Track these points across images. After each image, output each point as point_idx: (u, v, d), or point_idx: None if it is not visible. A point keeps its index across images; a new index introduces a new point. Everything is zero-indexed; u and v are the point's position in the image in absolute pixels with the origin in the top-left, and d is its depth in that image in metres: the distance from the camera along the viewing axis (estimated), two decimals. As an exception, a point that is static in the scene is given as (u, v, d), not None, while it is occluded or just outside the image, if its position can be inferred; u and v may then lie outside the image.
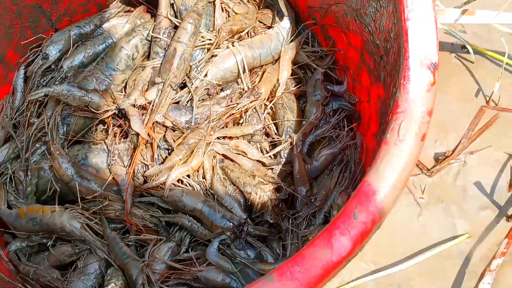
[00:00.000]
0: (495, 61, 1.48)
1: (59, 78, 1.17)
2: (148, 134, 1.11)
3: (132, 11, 1.25)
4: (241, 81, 1.17)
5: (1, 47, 1.13)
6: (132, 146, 1.13)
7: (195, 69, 1.16)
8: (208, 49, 1.17)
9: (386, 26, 0.89)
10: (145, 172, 1.11)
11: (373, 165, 0.75)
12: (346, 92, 1.15)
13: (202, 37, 1.17)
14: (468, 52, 1.47)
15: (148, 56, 1.21)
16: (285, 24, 1.18)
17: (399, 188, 0.74)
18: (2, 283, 0.85)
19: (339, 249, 0.72)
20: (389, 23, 0.87)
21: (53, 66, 1.19)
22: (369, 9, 0.94)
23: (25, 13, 1.14)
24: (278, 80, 1.16)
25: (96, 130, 1.18)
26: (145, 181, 1.11)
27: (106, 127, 1.16)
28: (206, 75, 1.15)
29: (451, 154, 1.35)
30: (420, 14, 0.80)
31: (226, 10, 1.23)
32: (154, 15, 1.24)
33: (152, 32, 1.18)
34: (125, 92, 1.18)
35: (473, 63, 1.49)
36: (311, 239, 0.75)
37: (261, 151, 1.13)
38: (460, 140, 1.37)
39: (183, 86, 1.17)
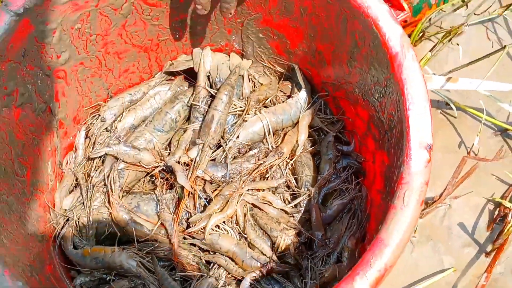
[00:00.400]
0: (475, 117, 1.71)
1: (114, 138, 1.39)
2: (191, 187, 1.33)
3: (173, 80, 1.48)
4: (267, 142, 1.40)
5: (69, 112, 1.36)
6: (177, 196, 1.34)
7: (229, 132, 1.39)
8: (239, 115, 1.40)
9: (390, 109, 1.12)
10: (188, 218, 1.33)
11: (384, 225, 0.97)
12: (353, 152, 1.37)
13: (234, 105, 1.39)
14: (451, 108, 1.69)
15: (188, 120, 1.43)
16: (303, 95, 1.40)
17: (405, 241, 0.96)
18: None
19: None
20: (393, 108, 1.10)
21: (108, 128, 1.41)
22: (375, 93, 1.17)
23: (89, 85, 1.36)
24: (297, 141, 1.39)
25: (146, 182, 1.41)
26: (188, 226, 1.32)
27: (154, 179, 1.39)
28: (238, 137, 1.37)
29: (438, 199, 1.56)
30: (418, 105, 1.02)
31: (252, 80, 1.46)
32: (191, 84, 1.47)
33: (193, 101, 1.40)
34: (169, 150, 1.40)
35: (456, 118, 1.70)
36: (337, 283, 0.97)
37: (284, 201, 1.35)
38: (446, 187, 1.57)
39: (218, 146, 1.39)
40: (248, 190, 1.33)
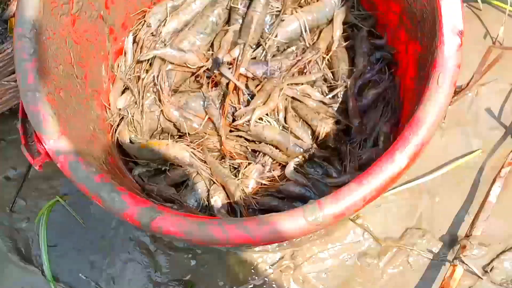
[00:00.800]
0: (500, 9, 1.77)
1: (159, 41, 1.48)
2: (235, 84, 1.42)
3: (212, -15, 1.55)
4: (303, 39, 1.48)
5: (118, 19, 1.44)
6: (222, 93, 1.45)
7: (267, 31, 1.47)
8: (277, 15, 1.48)
9: (422, 0, 1.20)
10: (233, 113, 1.43)
11: (420, 105, 1.07)
12: (386, 45, 1.46)
13: (271, 6, 1.47)
14: (476, 1, 1.76)
15: (228, 22, 1.51)
16: (336, -7, 1.48)
17: (439, 119, 1.05)
18: (137, 197, 1.14)
19: (399, 163, 1.04)
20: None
21: (154, 32, 1.50)
22: (408, -14, 1.25)
23: (134, -8, 1.45)
24: (332, 37, 1.47)
25: (192, 81, 1.51)
26: (233, 120, 1.43)
27: (199, 78, 1.49)
28: (276, 35, 1.45)
29: (466, 86, 1.65)
30: None
31: (287, -18, 1.53)
32: (230, -12, 1.54)
33: (232, 3, 1.48)
34: (212, 51, 1.49)
35: (480, 10, 1.77)
36: (376, 159, 1.07)
37: (322, 94, 1.45)
38: (473, 75, 1.65)
39: (258, 45, 1.48)
40: (288, 84, 1.42)
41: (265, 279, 1.54)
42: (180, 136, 1.46)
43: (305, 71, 1.46)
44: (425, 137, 1.05)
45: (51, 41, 1.17)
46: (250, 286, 1.53)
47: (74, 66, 1.27)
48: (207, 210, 1.36)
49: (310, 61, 1.45)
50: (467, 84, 1.63)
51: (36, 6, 1.13)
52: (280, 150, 1.41)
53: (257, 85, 1.44)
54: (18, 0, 1.13)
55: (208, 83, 1.46)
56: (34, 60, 1.10)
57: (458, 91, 1.64)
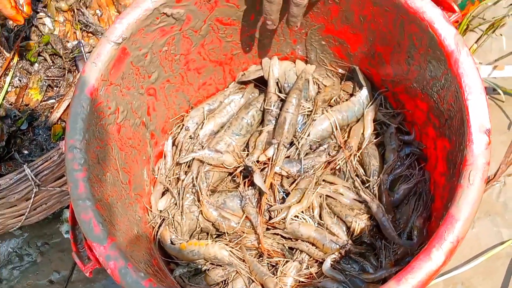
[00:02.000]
0: (522, 99, 1.84)
1: (197, 144, 1.55)
2: (270, 183, 1.48)
3: (245, 88, 1.64)
4: (335, 137, 1.55)
5: (158, 124, 1.53)
6: (258, 192, 1.51)
7: (300, 131, 1.54)
8: (308, 115, 1.55)
9: (449, 100, 1.25)
10: (269, 210, 1.49)
11: (453, 202, 1.11)
12: (414, 140, 1.51)
13: (303, 106, 1.55)
14: (499, 93, 1.82)
15: (261, 123, 1.59)
16: (364, 93, 1.55)
17: (473, 215, 1.09)
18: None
19: (436, 261, 1.08)
20: (451, 98, 1.23)
21: (192, 135, 1.57)
22: (434, 87, 1.31)
23: (174, 98, 1.53)
24: (363, 135, 1.53)
25: (229, 181, 1.57)
26: (270, 217, 1.49)
27: (236, 178, 1.55)
28: (308, 135, 1.52)
29: (493, 177, 1.69)
30: (476, 94, 1.15)
31: (317, 83, 1.61)
32: (262, 91, 1.62)
33: (265, 105, 1.56)
34: (248, 151, 1.56)
35: (503, 102, 1.84)
36: (415, 255, 1.11)
37: (355, 188, 1.50)
38: (499, 166, 1.70)
39: (291, 144, 1.54)
40: (321, 183, 1.48)
41: None
42: (218, 236, 1.50)
43: (337, 167, 1.51)
44: (460, 233, 1.08)
45: (100, 150, 1.25)
46: None
47: (119, 172, 1.34)
48: (247, 308, 1.40)
49: (342, 159, 1.50)
50: (495, 175, 1.68)
51: (86, 117, 1.21)
52: (316, 247, 1.45)
53: (292, 183, 1.49)
54: (69, 112, 1.21)
55: (245, 182, 1.51)
56: (85, 170, 1.17)
57: (486, 181, 1.68)
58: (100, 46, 1.26)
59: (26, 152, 1.82)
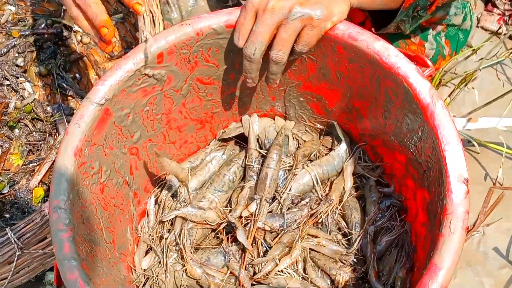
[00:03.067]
0: (497, 151, 1.88)
1: (179, 201, 1.57)
2: (254, 238, 1.49)
3: (226, 145, 1.66)
4: (316, 191, 1.57)
5: (141, 183, 1.54)
6: (242, 247, 1.51)
7: (281, 185, 1.56)
8: (289, 170, 1.57)
9: (426, 151, 1.29)
10: (252, 263, 1.49)
11: (435, 251, 1.13)
12: (394, 192, 1.54)
13: (283, 162, 1.57)
14: (473, 145, 1.87)
15: (243, 179, 1.61)
16: (343, 147, 1.58)
17: (456, 263, 1.11)
18: None
19: None
20: (429, 150, 1.27)
21: (174, 193, 1.59)
22: (411, 139, 1.34)
23: (156, 157, 1.56)
24: (343, 188, 1.56)
25: (212, 238, 1.58)
26: (254, 273, 1.49)
27: (219, 234, 1.56)
28: (290, 189, 1.54)
29: (472, 227, 1.73)
30: (453, 145, 1.18)
31: (296, 139, 1.65)
32: (243, 147, 1.65)
33: (246, 162, 1.58)
34: (230, 207, 1.58)
35: (478, 153, 1.89)
36: None
37: (338, 242, 1.52)
38: (478, 216, 1.74)
39: (273, 199, 1.56)
40: (304, 236, 1.49)
41: None
42: (203, 293, 1.50)
43: (320, 221, 1.53)
44: (444, 282, 1.10)
45: (84, 210, 1.26)
46: None
47: (103, 232, 1.34)
48: None
49: (324, 212, 1.52)
50: (474, 225, 1.71)
51: (69, 178, 1.22)
52: (302, 301, 1.45)
53: (275, 238, 1.51)
54: (53, 173, 1.22)
55: (228, 238, 1.52)
56: (70, 230, 1.17)
57: (466, 231, 1.70)
58: (83, 107, 1.28)
59: (7, 215, 1.82)
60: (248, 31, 1.30)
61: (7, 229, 1.55)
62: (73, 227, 1.18)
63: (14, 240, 1.54)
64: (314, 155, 1.62)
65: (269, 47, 1.31)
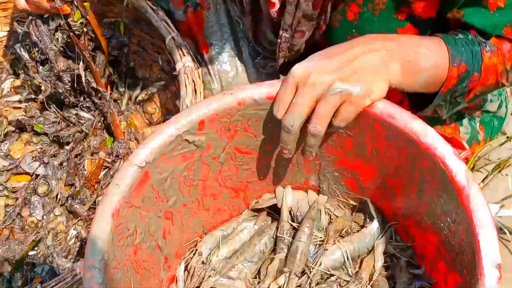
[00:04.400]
0: (529, 239, 1.87)
1: (209, 269, 1.57)
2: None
3: (259, 216, 1.68)
4: (346, 268, 1.56)
5: (173, 248, 1.55)
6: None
7: (311, 260, 1.56)
8: (320, 245, 1.58)
9: (460, 234, 1.28)
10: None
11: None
12: (425, 274, 1.53)
13: (315, 236, 1.58)
14: (504, 232, 1.86)
15: (274, 251, 1.61)
16: (375, 225, 1.58)
17: None
18: None
19: None
20: (462, 233, 1.27)
21: (205, 261, 1.59)
22: (444, 221, 1.34)
23: (189, 223, 1.57)
24: (374, 267, 1.55)
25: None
26: None
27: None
28: (320, 264, 1.54)
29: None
30: (487, 229, 1.18)
31: (328, 214, 1.65)
32: (275, 219, 1.66)
33: (278, 233, 1.59)
34: (259, 278, 1.57)
35: (509, 241, 1.87)
36: None
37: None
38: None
39: (303, 273, 1.56)
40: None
41: None
42: None
43: (348, 299, 1.52)
44: None
45: (116, 271, 1.27)
46: None
47: (133, 294, 1.35)
48: None
49: (353, 290, 1.52)
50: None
51: (105, 239, 1.24)
52: None
53: (303, 315, 1.50)
54: (90, 232, 1.24)
55: (256, 311, 1.52)
56: (101, 290, 1.18)
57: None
58: (123, 169, 1.32)
59: (38, 271, 1.83)
60: (288, 103, 1.34)
61: (37, 284, 1.56)
62: (105, 287, 1.19)
63: (44, 299, 1.55)
64: (345, 231, 1.62)
65: (308, 120, 1.34)
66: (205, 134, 1.40)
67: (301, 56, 1.85)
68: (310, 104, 1.32)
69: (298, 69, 1.33)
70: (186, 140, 1.38)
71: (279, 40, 1.76)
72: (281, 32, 1.73)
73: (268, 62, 2.03)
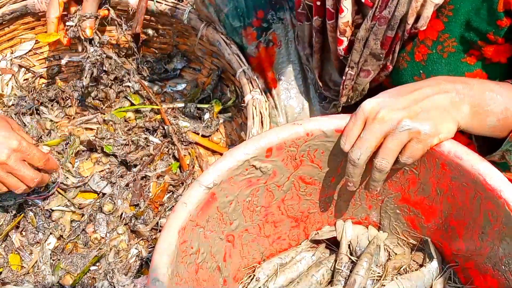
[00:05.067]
0: None
1: (265, 295, 1.60)
2: None
3: (317, 247, 1.69)
4: (403, 306, 1.56)
5: (231, 272, 1.58)
6: None
7: (368, 295, 1.57)
8: (378, 280, 1.58)
9: (522, 283, 1.28)
10: None
11: None
12: (483, 319, 1.52)
13: (373, 271, 1.59)
14: None
15: (330, 282, 1.62)
16: (434, 265, 1.57)
17: None
18: None
19: None
20: (525, 277, 1.27)
21: (261, 286, 1.62)
22: (506, 265, 1.34)
23: (249, 248, 1.60)
24: (432, 306, 1.55)
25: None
26: None
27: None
28: (376, 300, 1.55)
29: None
30: None
31: (387, 250, 1.66)
32: (333, 251, 1.68)
33: (336, 265, 1.61)
34: (314, 310, 1.59)
35: None
36: None
37: None
38: None
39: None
40: None
41: None
42: None
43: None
44: None
45: (178, 287, 1.30)
46: None
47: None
48: None
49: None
50: None
51: (171, 254, 1.28)
52: None
53: None
54: (156, 246, 1.29)
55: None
56: (164, 302, 1.22)
57: None
58: (192, 188, 1.36)
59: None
60: (355, 137, 1.36)
61: (98, 298, 1.61)
62: (167, 301, 1.23)
63: (106, 312, 1.60)
64: (403, 269, 1.62)
65: (374, 154, 1.36)
66: (272, 161, 1.44)
67: (364, 98, 1.89)
68: (378, 139, 1.34)
69: (368, 104, 1.36)
70: (253, 165, 1.42)
71: (344, 77, 1.79)
72: (347, 69, 1.77)
73: (331, 103, 2.06)
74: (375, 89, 1.80)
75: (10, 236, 2.00)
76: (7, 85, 2.39)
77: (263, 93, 2.09)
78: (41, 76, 2.48)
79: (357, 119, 1.36)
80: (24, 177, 1.71)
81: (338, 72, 1.93)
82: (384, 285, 1.56)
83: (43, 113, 2.34)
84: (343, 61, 1.82)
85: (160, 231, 1.92)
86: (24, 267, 1.95)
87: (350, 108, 1.96)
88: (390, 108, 1.33)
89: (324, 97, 2.08)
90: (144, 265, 1.92)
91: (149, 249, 1.95)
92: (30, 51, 2.43)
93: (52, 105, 2.37)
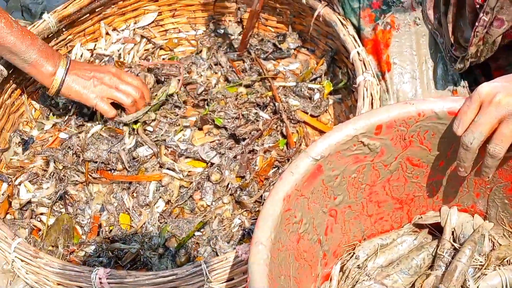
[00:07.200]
0: None
1: (363, 274, 1.60)
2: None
3: (419, 232, 1.69)
4: (504, 296, 1.53)
5: (332, 247, 1.60)
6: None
7: (468, 282, 1.55)
8: (479, 269, 1.55)
9: None
10: None
11: None
12: None
13: (475, 259, 1.56)
14: None
15: (430, 267, 1.61)
16: (542, 258, 1.54)
17: None
18: None
19: None
20: None
21: (360, 265, 1.62)
22: None
23: (350, 225, 1.61)
24: (534, 300, 1.51)
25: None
26: None
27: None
28: (478, 287, 1.53)
29: None
30: None
31: (492, 240, 1.63)
32: (435, 237, 1.66)
33: (438, 251, 1.59)
34: (415, 291, 1.59)
35: None
36: None
37: None
38: None
39: (459, 293, 1.55)
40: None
41: None
42: None
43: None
44: None
45: (279, 253, 1.34)
46: None
47: (290, 280, 1.41)
48: None
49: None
50: None
51: (275, 219, 1.31)
52: None
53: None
54: (262, 210, 1.33)
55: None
56: (266, 265, 1.25)
57: None
58: (299, 158, 1.39)
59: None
60: (469, 120, 1.35)
61: (201, 261, 1.67)
62: (269, 264, 1.26)
63: (206, 273, 1.65)
64: (507, 260, 1.58)
65: (487, 140, 1.34)
66: (380, 139, 1.45)
67: (493, 57, 1.86)
68: (493, 123, 1.32)
69: (484, 87, 1.34)
70: (362, 142, 1.43)
71: (476, 24, 1.75)
72: (481, 15, 1.73)
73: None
74: (504, 48, 1.76)
75: (122, 197, 2.10)
76: (128, 53, 2.51)
77: (375, 76, 2.08)
78: (161, 48, 2.57)
79: (472, 102, 1.34)
80: (127, 90, 2.17)
81: (471, 27, 1.86)
82: (485, 274, 1.53)
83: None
84: (477, 14, 1.77)
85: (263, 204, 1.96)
86: (133, 227, 2.05)
87: (477, 67, 1.99)
88: (507, 93, 1.30)
89: (454, 60, 2.03)
90: (246, 235, 1.97)
91: (251, 221, 2.00)
92: (152, 22, 2.54)
93: (169, 78, 2.45)
